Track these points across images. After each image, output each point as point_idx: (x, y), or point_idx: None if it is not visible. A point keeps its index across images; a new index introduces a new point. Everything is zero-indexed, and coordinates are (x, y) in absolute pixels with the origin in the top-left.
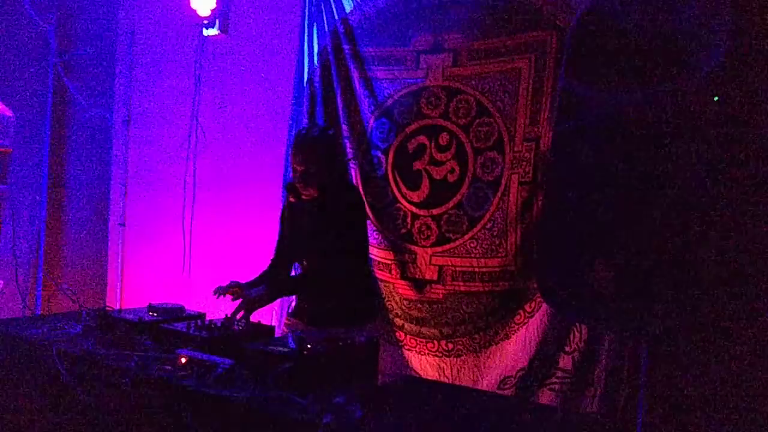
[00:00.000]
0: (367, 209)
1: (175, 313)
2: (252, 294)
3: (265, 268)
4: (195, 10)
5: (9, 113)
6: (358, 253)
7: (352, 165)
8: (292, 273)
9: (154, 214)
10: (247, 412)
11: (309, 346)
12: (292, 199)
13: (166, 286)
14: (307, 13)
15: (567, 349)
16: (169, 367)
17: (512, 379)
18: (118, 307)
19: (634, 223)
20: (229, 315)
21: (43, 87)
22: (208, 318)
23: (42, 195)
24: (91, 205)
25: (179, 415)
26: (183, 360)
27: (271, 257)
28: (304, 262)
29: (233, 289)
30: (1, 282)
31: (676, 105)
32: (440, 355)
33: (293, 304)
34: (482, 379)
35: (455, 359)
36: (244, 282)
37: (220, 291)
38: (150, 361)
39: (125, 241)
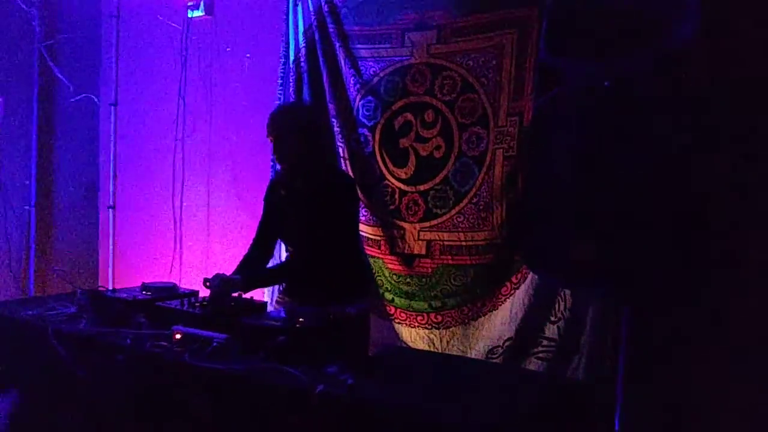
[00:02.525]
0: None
1: (169, 291)
2: (231, 282)
3: (246, 250)
4: None
5: None
6: (347, 237)
7: (339, 143)
8: (275, 255)
9: (144, 195)
10: (243, 383)
11: (301, 319)
12: (282, 192)
13: (158, 266)
14: None
15: (552, 318)
16: (165, 343)
17: (500, 348)
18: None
19: (612, 192)
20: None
21: (29, 72)
22: (200, 296)
23: (31, 179)
24: (80, 188)
25: (175, 389)
26: (178, 336)
27: (254, 237)
28: (290, 247)
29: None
30: None
31: (651, 75)
32: (430, 327)
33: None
34: (471, 349)
35: (444, 331)
36: (230, 274)
37: (207, 284)
38: (145, 338)
39: (116, 223)
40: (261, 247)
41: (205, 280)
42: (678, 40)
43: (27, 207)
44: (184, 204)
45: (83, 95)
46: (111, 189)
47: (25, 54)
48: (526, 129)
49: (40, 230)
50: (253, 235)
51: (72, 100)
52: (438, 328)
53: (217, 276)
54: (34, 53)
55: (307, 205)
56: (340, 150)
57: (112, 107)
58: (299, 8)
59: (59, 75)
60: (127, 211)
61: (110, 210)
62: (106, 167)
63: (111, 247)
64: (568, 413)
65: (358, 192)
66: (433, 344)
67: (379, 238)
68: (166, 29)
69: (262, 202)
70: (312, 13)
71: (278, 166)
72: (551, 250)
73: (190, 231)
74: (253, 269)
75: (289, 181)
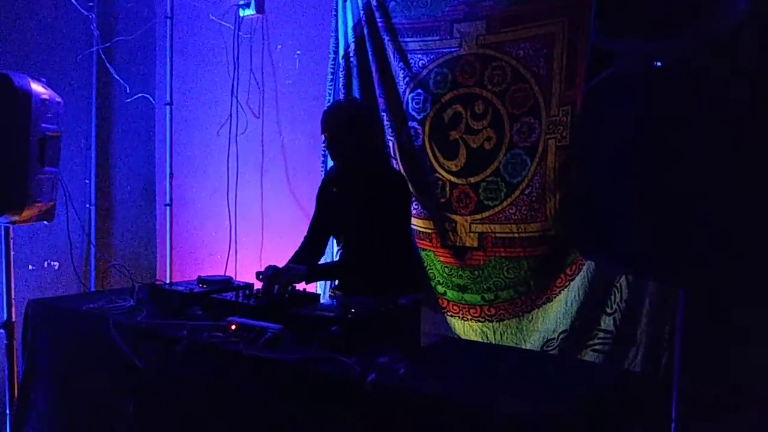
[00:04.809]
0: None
1: (224, 284)
2: (293, 270)
3: (298, 246)
4: None
5: (58, 98)
6: (399, 233)
7: (389, 138)
8: (326, 252)
9: (199, 193)
10: (296, 372)
11: (353, 310)
12: (334, 189)
13: (214, 261)
14: None
15: (608, 310)
16: (220, 334)
17: (554, 341)
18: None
19: (669, 177)
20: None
21: (88, 73)
22: (255, 288)
23: (90, 178)
24: (137, 186)
25: (231, 378)
26: (233, 327)
27: (306, 233)
28: (343, 243)
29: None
30: (57, 263)
31: (707, 55)
32: (483, 320)
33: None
34: (525, 342)
35: (498, 324)
36: (282, 266)
37: (260, 277)
38: (201, 329)
39: (173, 220)
40: (312, 244)
41: (258, 274)
42: (732, 16)
43: (88, 205)
44: (239, 201)
45: (139, 95)
46: (167, 187)
47: (84, 56)
48: (579, 116)
49: (100, 228)
50: (306, 230)
51: (128, 100)
52: (491, 321)
53: (270, 267)
54: (93, 55)
55: (359, 201)
56: (390, 144)
57: (167, 106)
58: (348, 3)
59: (116, 76)
60: (183, 208)
61: (167, 207)
62: (162, 166)
63: (168, 243)
64: (625, 404)
65: (410, 187)
66: (487, 337)
67: (430, 230)
68: (218, 29)
69: (315, 200)
70: (360, 8)
71: (331, 163)
72: (607, 237)
73: (245, 227)
74: (311, 264)
75: (342, 178)
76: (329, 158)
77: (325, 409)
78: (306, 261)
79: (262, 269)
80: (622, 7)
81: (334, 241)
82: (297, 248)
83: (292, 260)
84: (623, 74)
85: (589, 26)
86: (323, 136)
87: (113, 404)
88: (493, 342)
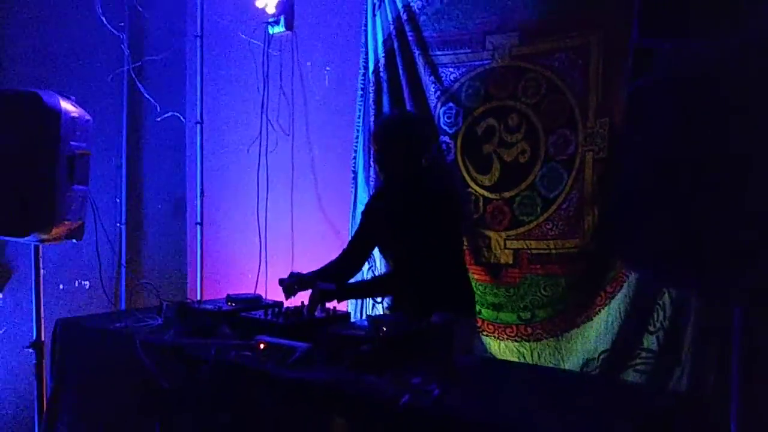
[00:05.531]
0: None
1: (253, 302)
2: (322, 287)
3: (335, 257)
4: (261, 9)
5: (87, 117)
6: (448, 252)
7: None
8: (367, 269)
9: (230, 211)
10: (325, 393)
11: (384, 328)
12: (382, 204)
13: (244, 280)
14: (370, 5)
15: (651, 329)
16: (249, 353)
17: (595, 361)
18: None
19: (718, 185)
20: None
21: (119, 92)
22: (285, 306)
23: (121, 197)
24: (168, 205)
25: (259, 397)
26: (262, 345)
27: (345, 248)
28: (389, 260)
29: (299, 282)
30: (87, 282)
31: (753, 55)
32: (519, 339)
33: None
34: (564, 362)
35: (535, 344)
36: (306, 273)
37: (284, 285)
38: (230, 348)
39: (203, 239)
40: (350, 259)
41: (281, 281)
42: None
43: (118, 224)
44: (269, 218)
45: (170, 113)
46: (198, 205)
47: (116, 76)
48: (619, 128)
49: (131, 246)
50: (336, 247)
51: (158, 119)
52: (528, 341)
53: (294, 275)
54: (124, 75)
55: (407, 217)
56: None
57: (198, 125)
58: (378, 18)
59: (146, 95)
60: (214, 227)
61: (198, 226)
62: (192, 184)
63: (198, 261)
64: (674, 429)
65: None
66: (524, 357)
67: (464, 247)
68: (247, 46)
69: (360, 216)
70: (391, 22)
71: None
72: (652, 248)
73: (275, 245)
74: (340, 279)
75: (390, 193)
76: (371, 173)
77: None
78: (337, 277)
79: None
80: (665, 6)
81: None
82: (331, 260)
83: (322, 272)
84: (665, 76)
85: (629, 31)
86: (374, 148)
87: (139, 424)
88: (531, 362)
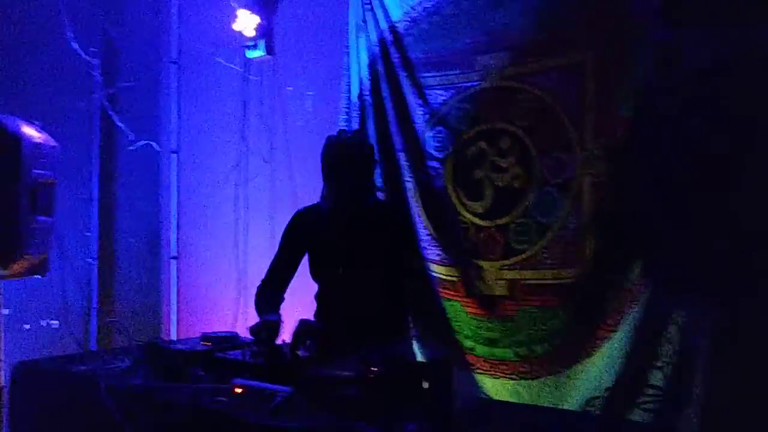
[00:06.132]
0: (428, 223)
1: (229, 341)
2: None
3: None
4: (238, 32)
5: (53, 143)
6: (398, 268)
7: (407, 179)
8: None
9: (207, 243)
10: None
11: (374, 368)
12: (324, 225)
13: (223, 317)
14: (353, 26)
15: (657, 363)
16: (224, 398)
17: (598, 400)
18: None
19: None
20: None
21: (90, 120)
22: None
23: (93, 229)
24: (142, 237)
25: None
26: (238, 390)
27: (273, 272)
28: (342, 277)
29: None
30: (56, 322)
31: None
32: (516, 377)
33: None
34: (564, 402)
35: (533, 381)
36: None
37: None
38: (203, 393)
39: (179, 274)
40: (279, 286)
41: (252, 330)
42: None
43: (89, 260)
44: (248, 251)
45: (143, 142)
46: (173, 239)
47: (86, 103)
48: (619, 147)
49: (102, 283)
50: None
51: (132, 148)
52: (526, 379)
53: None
54: (95, 102)
55: (363, 235)
56: (409, 185)
57: (173, 154)
58: (362, 40)
59: (119, 123)
60: (190, 261)
61: (173, 261)
62: (167, 216)
63: (174, 298)
64: None
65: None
66: (521, 396)
67: (455, 278)
68: (225, 72)
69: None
70: (375, 44)
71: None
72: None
73: (255, 279)
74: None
75: (341, 212)
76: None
77: None
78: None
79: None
80: None
81: None
82: (266, 295)
83: (275, 305)
84: (688, 69)
85: (624, 53)
86: (328, 165)
87: None
88: (528, 402)
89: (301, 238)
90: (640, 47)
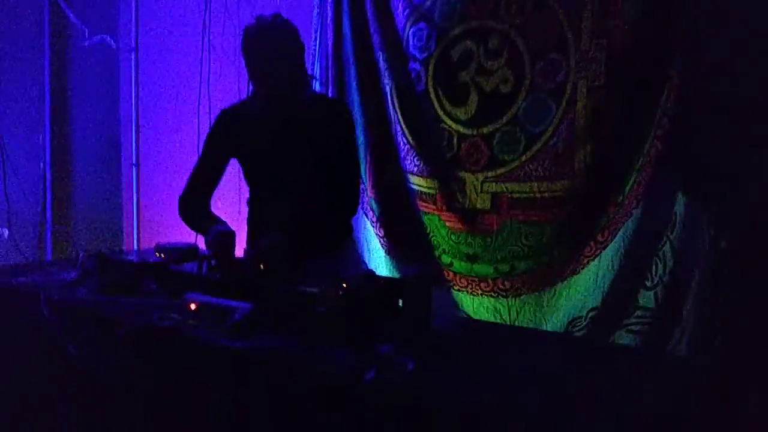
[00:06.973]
0: (406, 131)
1: (187, 253)
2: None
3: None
4: None
5: None
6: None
7: (385, 81)
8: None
9: (169, 149)
10: (271, 366)
11: (346, 284)
12: (257, 126)
13: (187, 229)
14: None
15: (648, 284)
16: (176, 315)
17: (582, 320)
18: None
19: None
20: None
21: (39, 13)
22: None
23: (45, 134)
24: (100, 143)
25: (187, 372)
26: (193, 306)
27: (195, 178)
28: (266, 189)
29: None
30: (6, 230)
31: None
32: (496, 295)
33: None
34: (546, 321)
35: (514, 300)
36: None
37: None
38: (153, 309)
39: (140, 182)
40: (206, 195)
41: (206, 243)
42: None
43: (42, 164)
44: None
45: (99, 37)
46: (134, 144)
47: None
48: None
49: (57, 190)
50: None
51: (86, 44)
52: (506, 297)
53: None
54: None
55: (304, 135)
56: (387, 89)
57: (132, 53)
58: None
59: (72, 17)
60: (152, 167)
61: (134, 167)
62: (127, 120)
63: (135, 208)
64: (674, 396)
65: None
66: (500, 315)
67: (433, 191)
68: None
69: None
70: None
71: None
72: None
73: (221, 187)
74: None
75: (272, 109)
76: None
77: (308, 415)
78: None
79: (243, 233)
80: None
81: None
82: (197, 205)
83: (215, 219)
84: None
85: None
86: (246, 59)
87: (46, 403)
88: (508, 321)
89: (230, 140)
90: None
